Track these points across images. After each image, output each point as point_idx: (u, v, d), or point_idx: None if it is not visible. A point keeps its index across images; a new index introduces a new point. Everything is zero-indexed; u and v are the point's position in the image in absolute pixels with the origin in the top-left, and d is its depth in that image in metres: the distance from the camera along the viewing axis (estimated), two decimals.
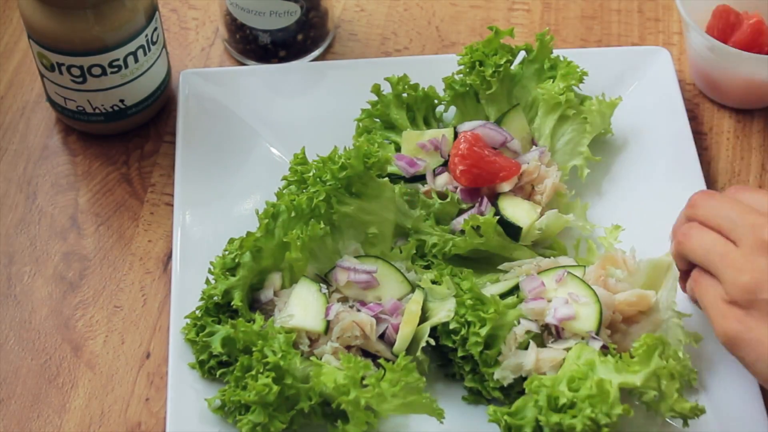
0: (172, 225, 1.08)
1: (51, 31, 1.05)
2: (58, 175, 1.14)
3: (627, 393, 0.91)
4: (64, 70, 1.08)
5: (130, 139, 1.16)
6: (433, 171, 1.06)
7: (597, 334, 0.93)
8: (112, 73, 1.08)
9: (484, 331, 0.92)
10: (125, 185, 1.13)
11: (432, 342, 0.95)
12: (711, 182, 1.12)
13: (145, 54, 1.10)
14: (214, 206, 1.07)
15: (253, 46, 1.19)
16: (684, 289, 0.94)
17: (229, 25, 1.19)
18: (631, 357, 0.90)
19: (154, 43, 1.10)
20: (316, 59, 1.22)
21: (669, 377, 0.89)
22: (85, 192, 1.12)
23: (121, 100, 1.12)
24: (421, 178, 1.06)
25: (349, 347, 0.95)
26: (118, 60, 1.08)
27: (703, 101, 1.19)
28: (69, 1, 1.03)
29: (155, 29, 1.10)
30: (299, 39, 1.19)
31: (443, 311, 0.96)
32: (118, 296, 1.05)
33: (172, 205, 1.11)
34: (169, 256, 1.07)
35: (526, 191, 1.05)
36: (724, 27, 1.15)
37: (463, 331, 0.93)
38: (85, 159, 1.15)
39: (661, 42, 1.24)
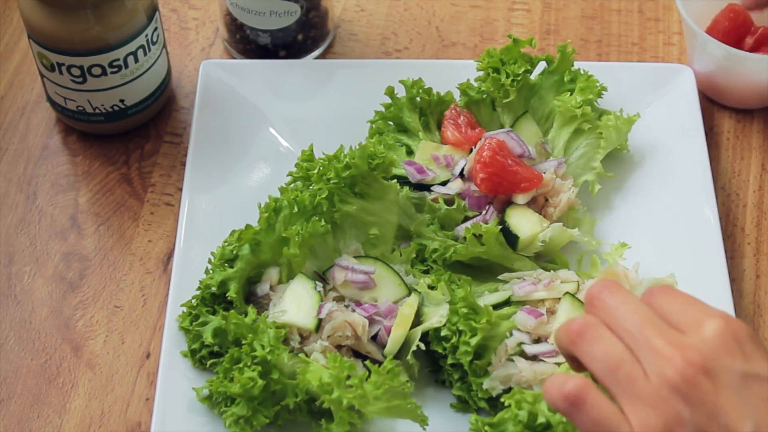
0: (173, 223, 1.08)
1: (51, 31, 1.05)
2: (58, 175, 1.14)
3: None
4: (64, 70, 1.08)
5: (130, 139, 1.16)
6: (441, 183, 1.06)
7: None
8: (112, 73, 1.08)
9: (474, 341, 0.92)
10: (125, 185, 1.13)
11: (422, 346, 0.95)
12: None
13: (145, 54, 1.10)
14: (222, 194, 1.08)
15: (253, 46, 1.19)
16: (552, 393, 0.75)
17: (229, 25, 1.19)
18: None
19: (154, 43, 1.10)
20: (316, 59, 1.22)
21: None
22: (85, 192, 1.12)
23: (122, 100, 1.12)
24: (427, 187, 1.05)
25: (340, 347, 0.95)
26: (118, 60, 1.08)
27: (703, 101, 1.18)
28: (69, 1, 1.03)
29: (155, 29, 1.10)
30: (299, 39, 1.19)
31: (435, 317, 0.96)
32: (118, 296, 1.05)
33: (173, 205, 1.11)
34: (169, 256, 1.07)
35: (539, 203, 1.05)
36: (731, 28, 1.15)
37: (454, 339, 0.93)
38: (85, 159, 1.15)
39: (661, 42, 1.24)
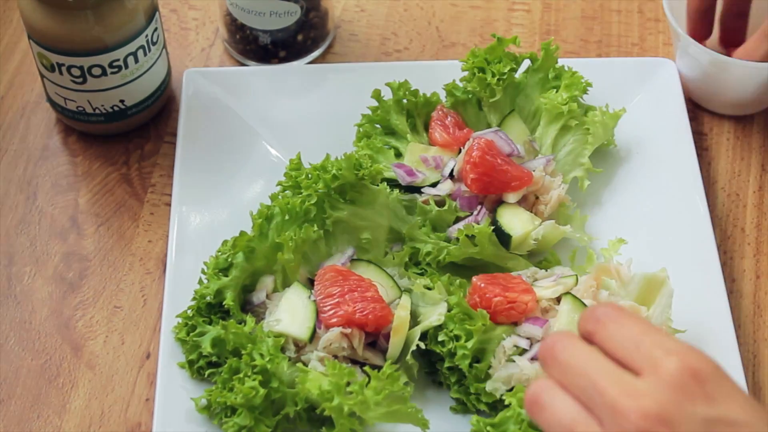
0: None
1: (51, 31, 1.05)
2: (58, 175, 1.14)
3: None
4: (64, 70, 1.08)
5: (130, 139, 1.16)
6: (431, 185, 1.05)
7: None
8: (112, 73, 1.09)
9: (470, 344, 0.92)
10: (125, 185, 1.13)
11: (423, 346, 0.95)
12: (711, 182, 1.12)
13: (145, 54, 1.10)
14: (211, 205, 1.07)
15: (253, 46, 1.19)
16: None
17: (229, 25, 1.20)
18: None
19: (154, 44, 1.10)
20: (316, 59, 1.22)
21: None
22: (85, 192, 1.12)
23: (122, 101, 1.12)
24: (417, 189, 1.05)
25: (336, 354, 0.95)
26: (118, 60, 1.08)
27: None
28: (69, 2, 1.03)
29: (155, 29, 1.10)
30: (299, 39, 1.19)
31: (434, 315, 0.95)
32: (118, 296, 1.05)
33: None
34: None
35: (529, 201, 1.05)
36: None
37: (451, 345, 0.93)
38: (85, 159, 1.15)
39: (661, 42, 1.24)
